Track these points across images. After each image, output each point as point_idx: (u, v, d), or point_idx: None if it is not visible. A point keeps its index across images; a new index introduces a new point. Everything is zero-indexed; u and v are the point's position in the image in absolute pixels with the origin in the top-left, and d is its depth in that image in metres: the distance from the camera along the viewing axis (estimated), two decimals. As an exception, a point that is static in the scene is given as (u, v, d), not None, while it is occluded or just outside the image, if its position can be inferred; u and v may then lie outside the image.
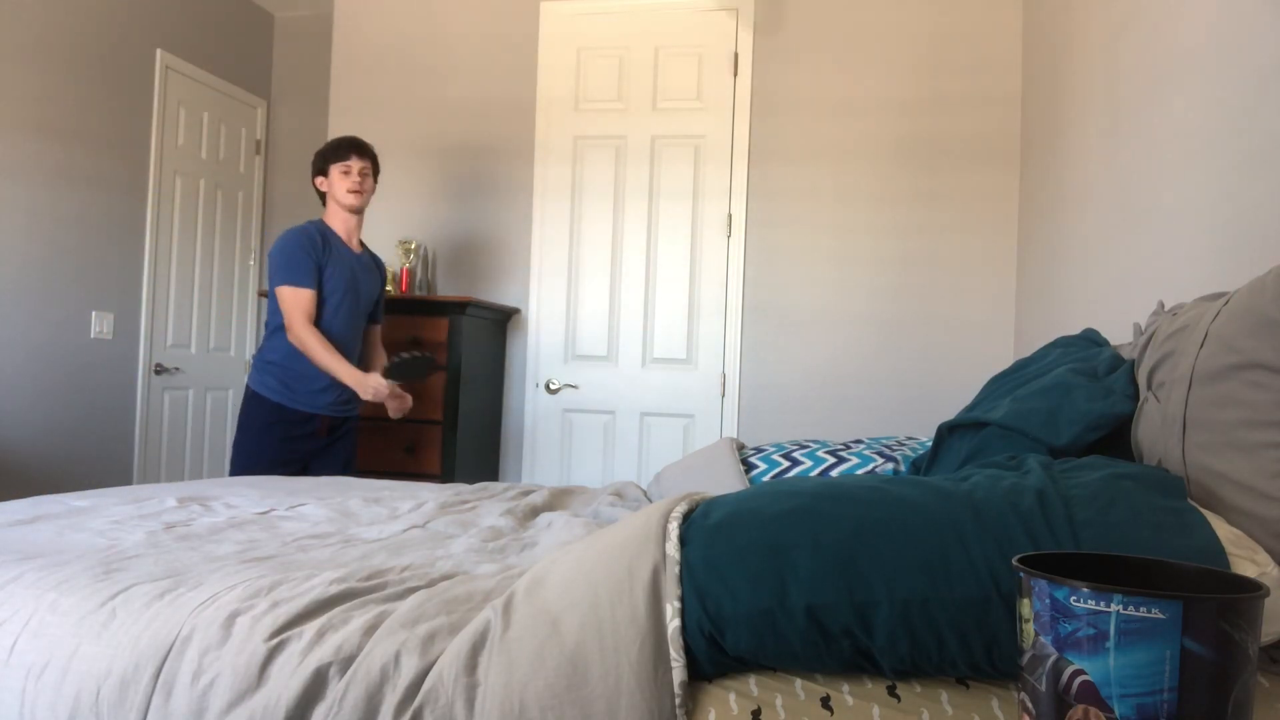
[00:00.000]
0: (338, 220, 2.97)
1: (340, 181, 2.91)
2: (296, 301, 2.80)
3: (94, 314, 3.94)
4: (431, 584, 1.18)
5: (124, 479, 4.13)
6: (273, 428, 2.87)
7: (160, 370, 4.33)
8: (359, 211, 2.98)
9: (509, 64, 3.96)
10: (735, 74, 3.74)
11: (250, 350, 4.97)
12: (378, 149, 4.05)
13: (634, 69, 3.84)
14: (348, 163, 2.91)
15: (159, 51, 4.25)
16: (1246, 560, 0.90)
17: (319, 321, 2.87)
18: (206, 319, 4.66)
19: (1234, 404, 1.03)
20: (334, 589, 1.11)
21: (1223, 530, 0.93)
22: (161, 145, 4.29)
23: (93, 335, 3.93)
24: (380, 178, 4.05)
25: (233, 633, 1.02)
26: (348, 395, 2.96)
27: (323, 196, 2.99)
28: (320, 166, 2.96)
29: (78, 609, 1.08)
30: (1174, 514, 0.93)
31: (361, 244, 3.06)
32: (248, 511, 1.75)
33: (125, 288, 4.11)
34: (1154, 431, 1.22)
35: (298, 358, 2.86)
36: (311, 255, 2.84)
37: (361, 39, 4.09)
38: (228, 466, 4.84)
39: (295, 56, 5.09)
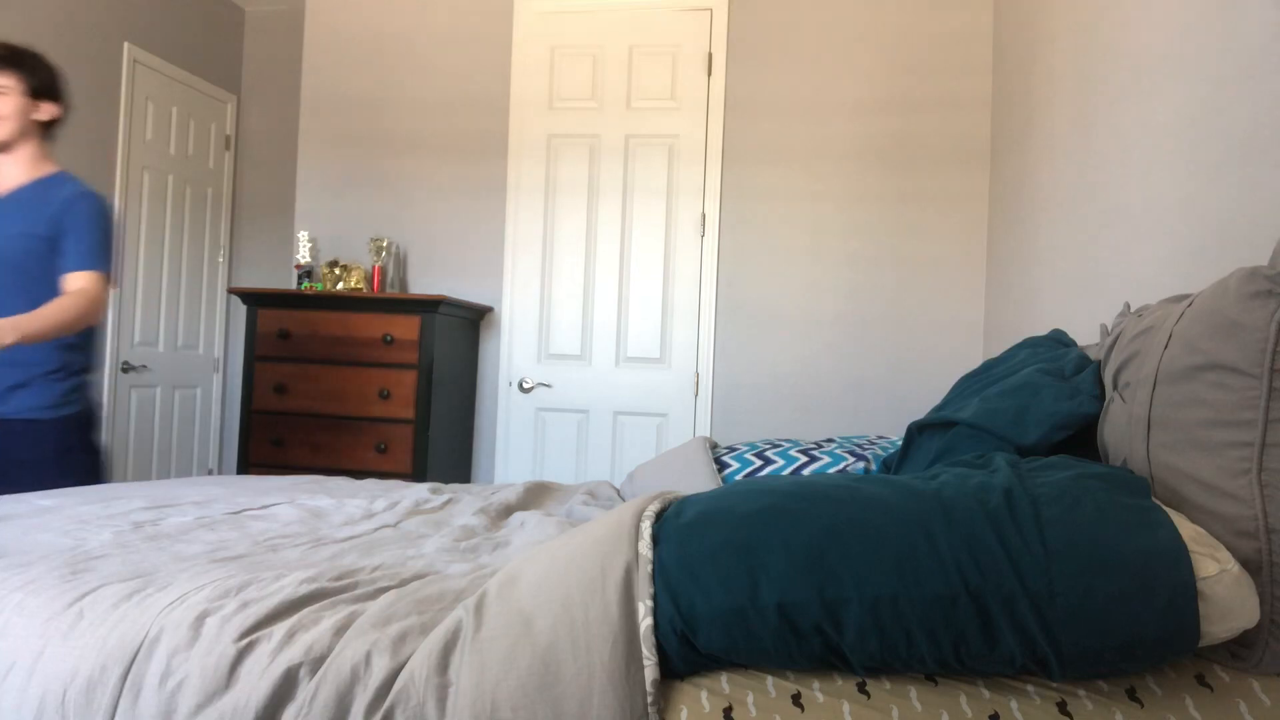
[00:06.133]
0: None
1: None
2: None
3: (59, 311, 3.87)
4: (403, 584, 1.18)
5: (90, 478, 4.06)
6: None
7: (128, 368, 4.27)
8: None
9: (482, 61, 3.94)
10: (709, 74, 3.75)
11: (219, 348, 4.92)
12: (349, 146, 4.01)
13: (608, 68, 3.84)
14: None
15: (126, 45, 4.19)
16: (1207, 557, 0.91)
17: None
18: (175, 316, 4.60)
19: (1197, 404, 1.04)
20: (304, 589, 1.10)
21: (1185, 528, 0.95)
22: (129, 140, 4.23)
23: (58, 332, 3.87)
24: (350, 174, 4.01)
25: (202, 633, 1.01)
26: None
27: None
28: None
29: (44, 610, 1.07)
30: (1138, 512, 0.94)
31: (40, 183, 2.29)
32: (217, 511, 1.73)
33: (92, 284, 4.05)
34: (1119, 431, 1.24)
35: None
36: None
37: (333, 34, 4.06)
38: (194, 468, 4.79)
39: (266, 51, 5.04)
